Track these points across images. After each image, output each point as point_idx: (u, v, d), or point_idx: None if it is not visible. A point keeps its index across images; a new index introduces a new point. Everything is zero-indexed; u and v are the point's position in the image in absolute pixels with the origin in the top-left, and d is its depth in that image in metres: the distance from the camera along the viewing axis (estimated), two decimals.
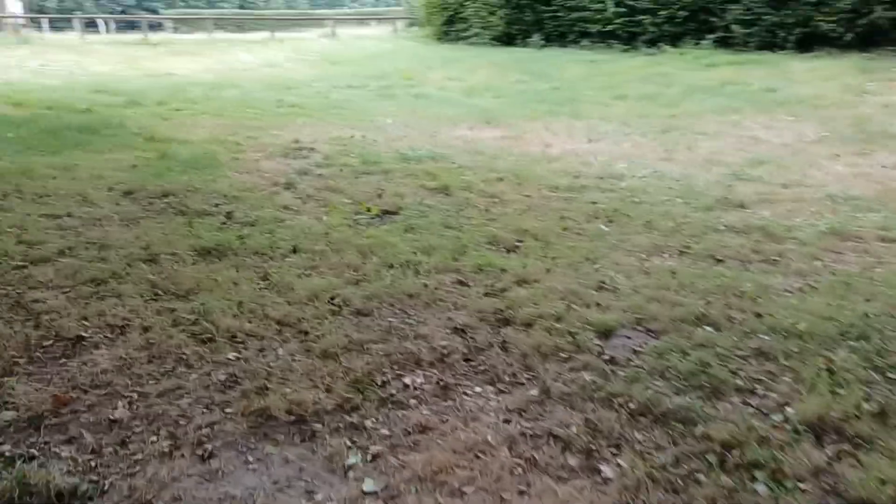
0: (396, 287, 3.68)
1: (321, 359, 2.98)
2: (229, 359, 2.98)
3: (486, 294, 3.64)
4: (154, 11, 49.78)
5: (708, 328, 3.25)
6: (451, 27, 21.30)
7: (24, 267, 3.86)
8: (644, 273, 3.94)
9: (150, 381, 2.82)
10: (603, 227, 4.81)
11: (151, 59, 18.51)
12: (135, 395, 2.73)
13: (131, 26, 35.49)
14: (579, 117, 9.50)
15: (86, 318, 3.29)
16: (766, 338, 3.16)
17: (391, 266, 3.96)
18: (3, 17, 25.20)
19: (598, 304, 3.49)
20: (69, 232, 4.45)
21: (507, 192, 5.66)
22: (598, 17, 17.08)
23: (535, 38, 18.18)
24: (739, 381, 2.82)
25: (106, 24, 34.79)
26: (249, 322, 3.28)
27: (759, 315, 3.38)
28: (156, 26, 38.45)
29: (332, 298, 3.53)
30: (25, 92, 11.73)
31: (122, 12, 46.08)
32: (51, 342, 3.10)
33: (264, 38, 25.25)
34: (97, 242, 4.27)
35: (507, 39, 19.16)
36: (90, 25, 31.30)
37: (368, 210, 5.09)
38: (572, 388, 2.78)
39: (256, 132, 8.15)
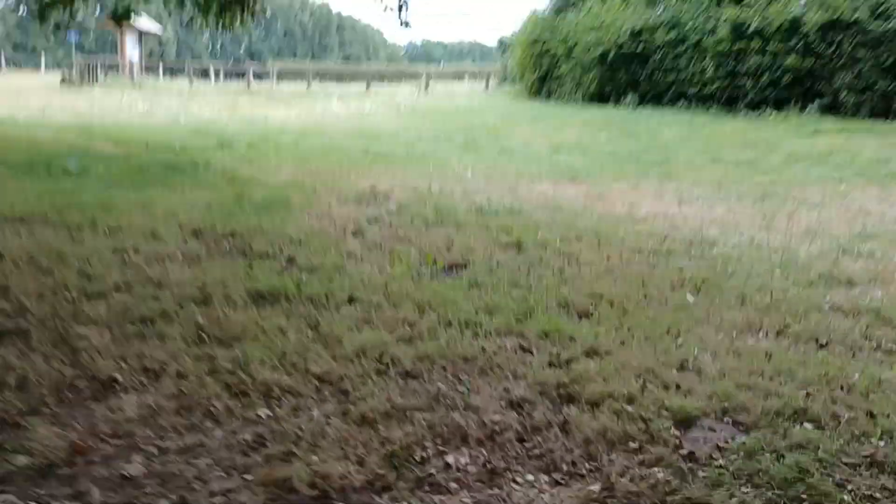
0: (451, 348, 3.37)
1: (358, 425, 2.68)
2: (259, 416, 2.74)
3: (550, 364, 3.27)
4: (261, 62, 52.80)
5: (808, 426, 2.75)
6: (543, 84, 21.30)
7: (78, 301, 3.79)
8: (734, 354, 3.46)
9: (173, 435, 2.60)
10: (689, 297, 4.34)
11: (250, 106, 19.34)
12: (154, 450, 2.51)
13: (239, 75, 37.62)
14: (670, 179, 9.05)
15: (124, 360, 3.13)
16: (882, 444, 2.64)
17: (449, 324, 3.65)
18: (122, 62, 27.13)
19: (678, 387, 3.05)
20: (131, 268, 4.40)
21: (584, 252, 5.27)
22: (697, 78, 16.62)
23: (630, 97, 17.87)
24: (847, 497, 2.33)
25: (216, 72, 37.03)
26: (288, 376, 3.03)
27: (871, 415, 2.85)
28: (261, 76, 40.66)
29: (381, 356, 3.25)
30: (128, 132, 12.35)
31: (234, 62, 49.01)
32: (84, 382, 2.95)
33: (360, 90, 26.06)
34: (155, 280, 4.19)
35: (600, 98, 18.94)
36: (203, 74, 33.38)
37: (434, 262, 4.84)
38: (641, 486, 2.36)
39: (335, 178, 8.14)
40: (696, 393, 2.99)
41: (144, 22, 25.66)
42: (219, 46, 70.92)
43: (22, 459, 2.42)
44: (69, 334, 3.37)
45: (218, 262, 4.61)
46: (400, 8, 9.79)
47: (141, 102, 18.28)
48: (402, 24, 8.58)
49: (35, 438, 2.52)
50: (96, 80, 23.31)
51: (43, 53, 42.53)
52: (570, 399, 2.94)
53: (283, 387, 2.94)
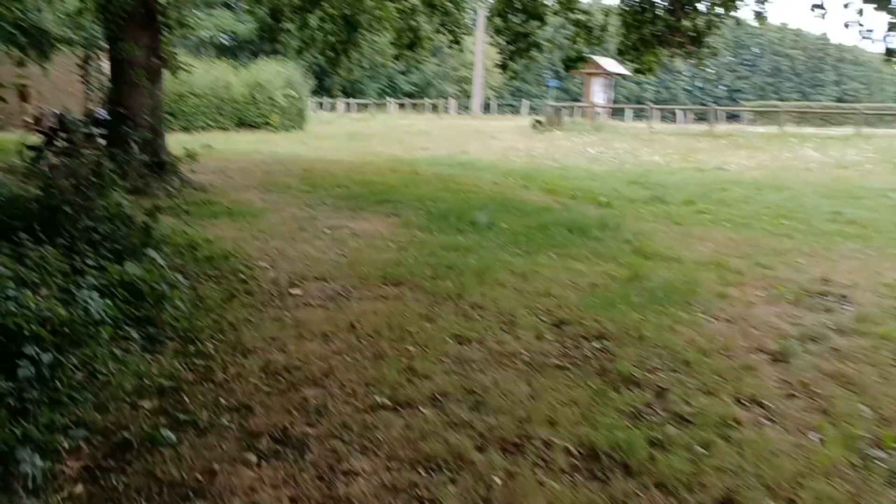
0: None
1: None
2: None
3: None
4: (736, 102, 49.79)
5: None
6: None
7: (374, 410, 3.08)
8: None
9: None
10: None
11: (706, 152, 17.73)
12: None
13: (711, 117, 35.95)
14: None
15: None
16: None
17: None
18: (584, 105, 28.12)
19: None
20: (460, 369, 3.58)
21: None
22: None
23: None
24: None
25: (684, 114, 36.05)
26: None
27: None
28: (733, 118, 38.19)
29: None
30: (565, 178, 12.16)
31: (714, 103, 47.33)
32: None
33: (845, 134, 21.97)
34: (475, 394, 3.27)
35: None
36: (668, 115, 32.79)
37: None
38: None
39: (774, 257, 6.24)
40: None
41: (613, 64, 26.17)
42: (696, 85, 69.78)
43: None
44: (337, 468, 2.64)
45: (561, 380, 3.47)
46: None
47: (594, 147, 18.34)
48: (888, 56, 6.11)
49: None
50: (561, 124, 24.60)
51: (526, 99, 47.63)
52: None
53: None
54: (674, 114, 36.81)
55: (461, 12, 14.94)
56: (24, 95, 21.53)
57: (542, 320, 4.33)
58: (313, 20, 15.08)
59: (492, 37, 13.39)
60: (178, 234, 6.00)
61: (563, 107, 26.49)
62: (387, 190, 9.65)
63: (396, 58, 15.10)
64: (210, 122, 22.65)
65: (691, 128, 26.85)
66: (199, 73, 22.69)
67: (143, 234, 5.25)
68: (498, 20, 13.31)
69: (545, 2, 12.52)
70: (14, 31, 13.25)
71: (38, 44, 14.49)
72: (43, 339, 3.13)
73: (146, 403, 3.05)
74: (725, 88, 70.78)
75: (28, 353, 2.99)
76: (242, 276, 5.18)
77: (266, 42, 15.41)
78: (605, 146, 18.46)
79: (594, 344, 3.97)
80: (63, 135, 10.00)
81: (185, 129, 21.74)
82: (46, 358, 3.03)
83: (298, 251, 5.98)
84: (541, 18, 12.30)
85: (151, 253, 4.97)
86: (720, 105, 40.89)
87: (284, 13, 14.67)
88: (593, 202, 9.46)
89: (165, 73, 9.24)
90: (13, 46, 14.28)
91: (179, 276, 4.76)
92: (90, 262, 4.53)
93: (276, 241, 6.35)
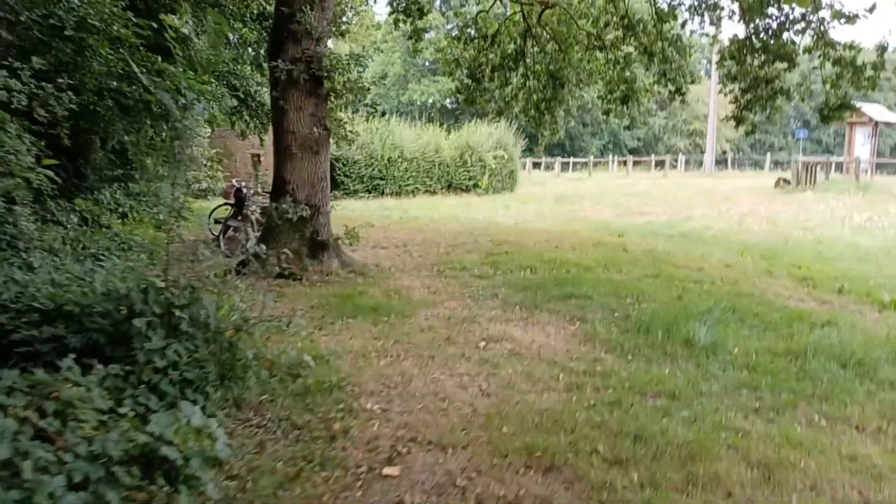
0: None
1: None
2: None
3: None
4: None
5: None
6: None
7: None
8: None
9: None
10: None
11: None
12: None
13: None
14: None
15: None
16: None
17: None
18: (848, 160, 23.46)
19: None
20: None
21: None
22: None
23: None
24: None
25: None
26: None
27: None
28: None
29: None
30: (824, 258, 9.31)
31: None
32: None
33: None
34: None
35: None
36: None
37: None
38: None
39: None
40: None
41: (881, 111, 21.67)
42: None
43: None
44: None
45: None
46: None
47: (860, 212, 14.69)
48: None
49: None
50: (814, 183, 20.59)
51: (769, 153, 42.40)
52: None
53: None
54: None
55: (685, 58, 12.74)
56: (253, 163, 23.10)
57: None
58: (515, 78, 13.89)
59: (723, 84, 11.08)
60: (288, 348, 4.71)
61: (817, 162, 22.27)
62: (579, 277, 7.73)
63: (606, 113, 13.24)
64: (419, 186, 22.39)
65: None
66: (411, 138, 22.71)
67: (224, 360, 4.00)
68: (731, 63, 10.98)
69: (794, 38, 9.98)
70: (239, 103, 13.69)
71: (257, 115, 14.96)
72: None
73: None
74: None
75: None
76: (335, 428, 3.66)
77: (465, 104, 14.44)
78: (876, 211, 14.70)
79: None
80: (251, 207, 9.64)
81: (396, 194, 21.67)
82: None
83: (428, 384, 4.34)
84: (789, 60, 9.77)
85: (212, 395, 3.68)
86: None
87: (484, 72, 13.66)
88: (872, 301, 6.72)
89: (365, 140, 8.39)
90: (238, 118, 14.88)
91: (240, 433, 3.36)
92: (124, 408, 3.31)
93: (409, 360, 4.79)
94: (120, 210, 10.85)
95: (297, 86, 7.58)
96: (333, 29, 14.01)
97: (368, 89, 8.66)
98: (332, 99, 7.88)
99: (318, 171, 7.88)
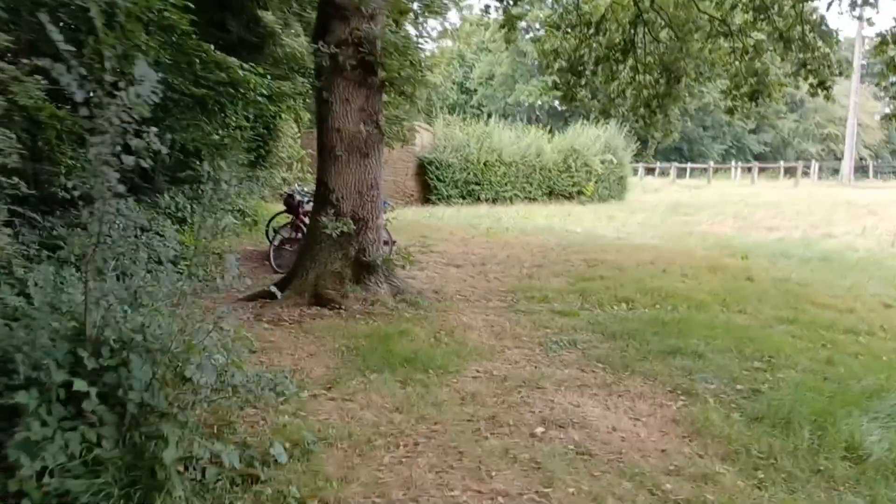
0: None
1: None
2: None
3: None
4: None
5: None
6: None
7: None
8: None
9: None
10: None
11: None
12: None
13: None
14: None
15: None
16: None
17: None
18: None
19: None
20: None
21: None
22: None
23: None
24: None
25: None
26: None
27: None
28: None
29: None
30: None
31: None
32: None
33: None
34: None
35: None
36: None
37: None
38: None
39: None
40: None
41: None
42: None
43: None
44: None
45: None
46: None
47: None
48: None
49: None
50: None
51: None
52: None
53: None
54: None
55: (831, 46, 10.48)
56: None
57: None
58: (623, 71, 12.10)
59: (884, 75, 8.89)
60: (261, 426, 3.40)
61: None
62: (689, 319, 5.98)
63: (730, 112, 11.19)
64: (518, 192, 20.81)
65: None
66: (510, 141, 21.17)
67: (130, 463, 2.73)
68: (892, 48, 8.78)
69: None
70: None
71: None
72: None
73: None
74: None
75: None
76: None
77: (564, 101, 12.77)
78: None
79: None
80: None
81: (492, 201, 20.20)
82: None
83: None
84: None
85: None
86: None
87: (587, 65, 11.97)
88: None
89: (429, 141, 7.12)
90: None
91: None
92: None
93: (426, 457, 3.33)
94: (179, 214, 10.08)
95: (344, 74, 6.31)
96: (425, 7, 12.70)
97: (430, 81, 7.27)
98: (387, 92, 6.56)
99: (368, 178, 6.57)
